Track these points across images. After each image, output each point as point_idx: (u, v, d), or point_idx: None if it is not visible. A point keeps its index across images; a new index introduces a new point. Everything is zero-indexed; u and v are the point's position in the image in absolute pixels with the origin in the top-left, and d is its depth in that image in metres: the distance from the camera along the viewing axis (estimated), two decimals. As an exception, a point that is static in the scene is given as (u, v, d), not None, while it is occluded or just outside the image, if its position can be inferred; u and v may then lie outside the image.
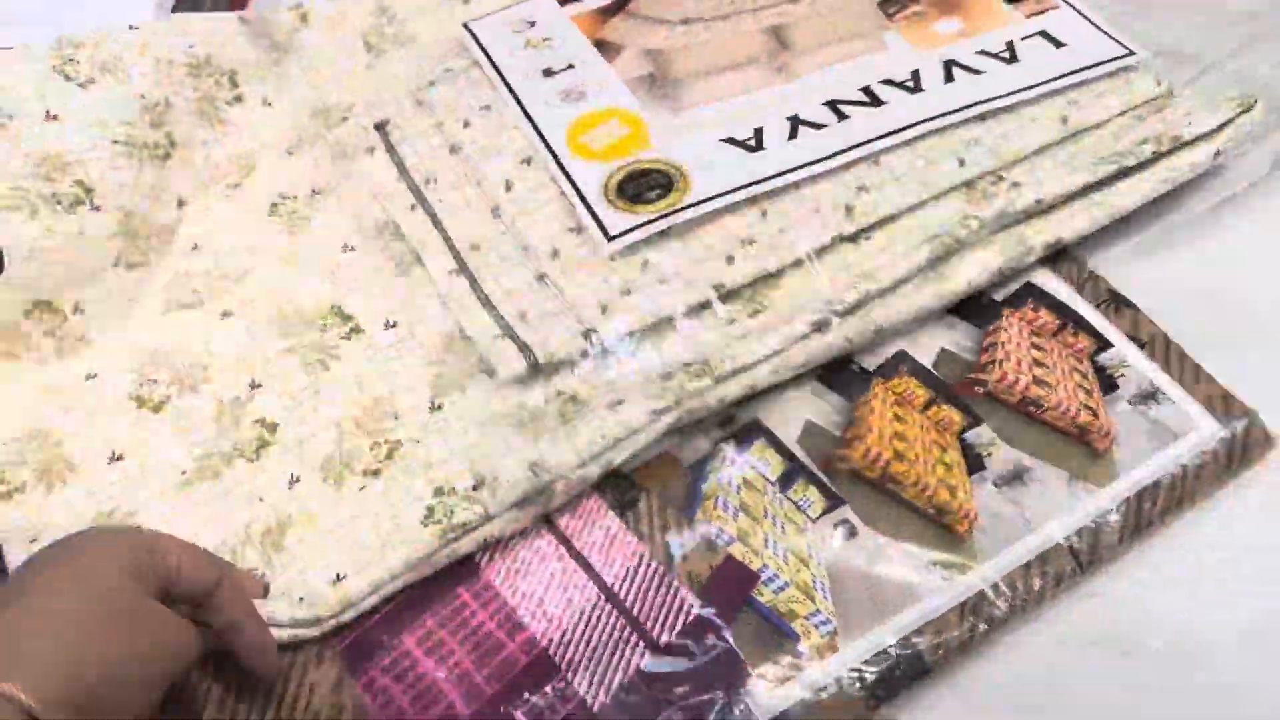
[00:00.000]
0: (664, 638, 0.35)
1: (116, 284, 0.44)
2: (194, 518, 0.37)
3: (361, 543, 0.36)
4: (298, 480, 0.38)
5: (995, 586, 0.35)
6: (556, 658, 0.35)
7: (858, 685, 0.34)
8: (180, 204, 0.47)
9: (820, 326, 0.39)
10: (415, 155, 0.46)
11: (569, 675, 0.35)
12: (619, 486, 0.39)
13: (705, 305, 0.41)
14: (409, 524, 0.36)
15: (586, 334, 0.40)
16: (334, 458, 0.38)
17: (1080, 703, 0.34)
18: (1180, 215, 0.45)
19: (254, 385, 0.40)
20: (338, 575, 0.35)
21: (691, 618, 0.36)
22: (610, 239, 0.42)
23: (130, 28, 0.47)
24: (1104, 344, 0.40)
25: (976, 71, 0.47)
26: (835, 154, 0.44)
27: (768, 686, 0.34)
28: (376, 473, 0.37)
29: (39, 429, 0.39)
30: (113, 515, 0.37)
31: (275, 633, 0.35)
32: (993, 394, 0.39)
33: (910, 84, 0.47)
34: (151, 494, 0.38)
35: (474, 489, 0.36)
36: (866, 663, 0.34)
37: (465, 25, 0.50)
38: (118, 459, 0.38)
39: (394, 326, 0.41)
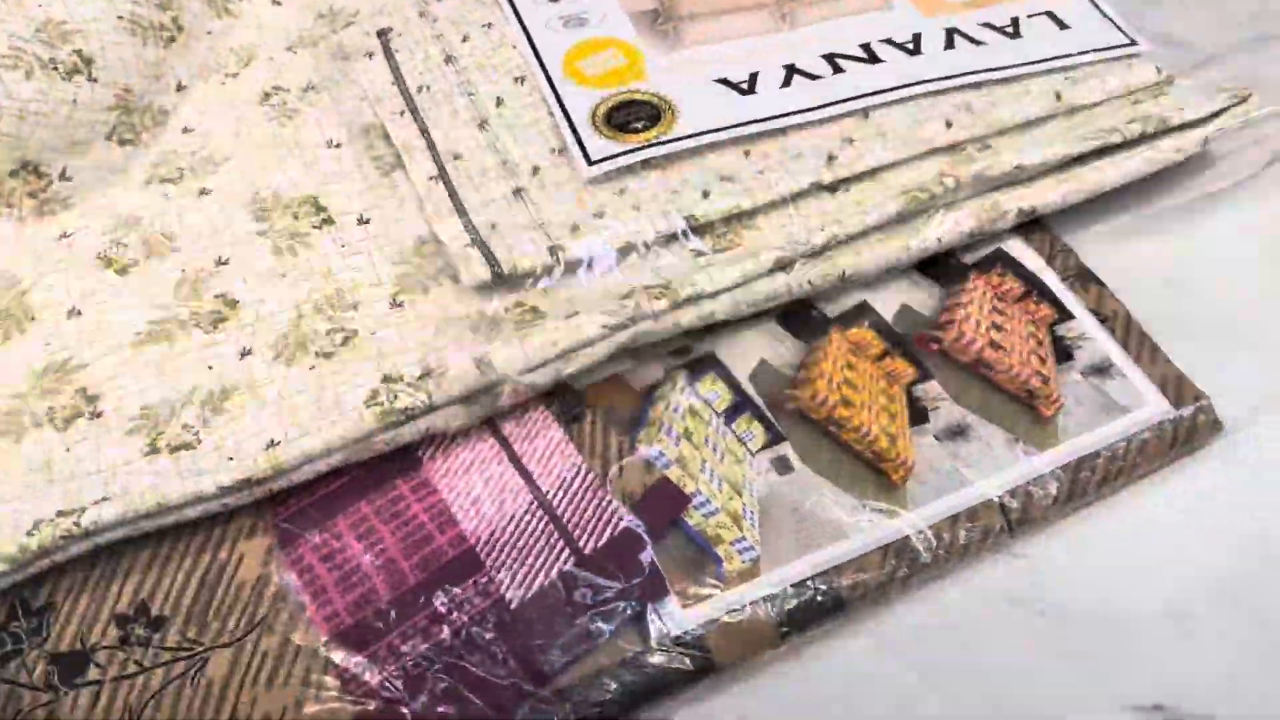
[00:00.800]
0: (590, 547, 0.36)
1: (106, 157, 0.44)
2: (141, 375, 0.38)
3: (301, 415, 0.36)
4: (249, 353, 0.38)
5: (921, 534, 0.35)
6: (483, 555, 0.36)
7: (772, 613, 0.34)
8: (179, 88, 0.47)
9: (784, 265, 0.39)
10: (412, 63, 0.47)
11: (492, 573, 0.35)
12: (567, 400, 0.39)
13: (675, 236, 0.41)
14: (351, 403, 0.36)
15: (553, 250, 0.40)
16: (289, 337, 0.38)
17: (991, 657, 0.35)
18: (1164, 204, 0.44)
19: (221, 261, 0.40)
20: (272, 440, 0.35)
21: (619, 531, 0.36)
22: (591, 163, 0.43)
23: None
24: (1065, 315, 0.40)
25: (978, 42, 0.47)
26: (825, 105, 0.44)
27: (684, 604, 0.34)
28: (329, 355, 0.38)
29: (4, 277, 0.40)
30: (65, 366, 0.38)
31: (205, 505, 0.35)
32: (947, 351, 0.39)
33: (910, 46, 0.47)
34: (105, 349, 0.38)
35: (420, 378, 0.36)
36: (784, 593, 0.35)
37: (478, -57, 0.51)
38: (77, 314, 0.39)
39: (367, 223, 0.42)
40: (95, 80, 0.44)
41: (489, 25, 0.48)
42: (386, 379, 0.37)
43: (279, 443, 0.36)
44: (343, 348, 0.38)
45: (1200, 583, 0.35)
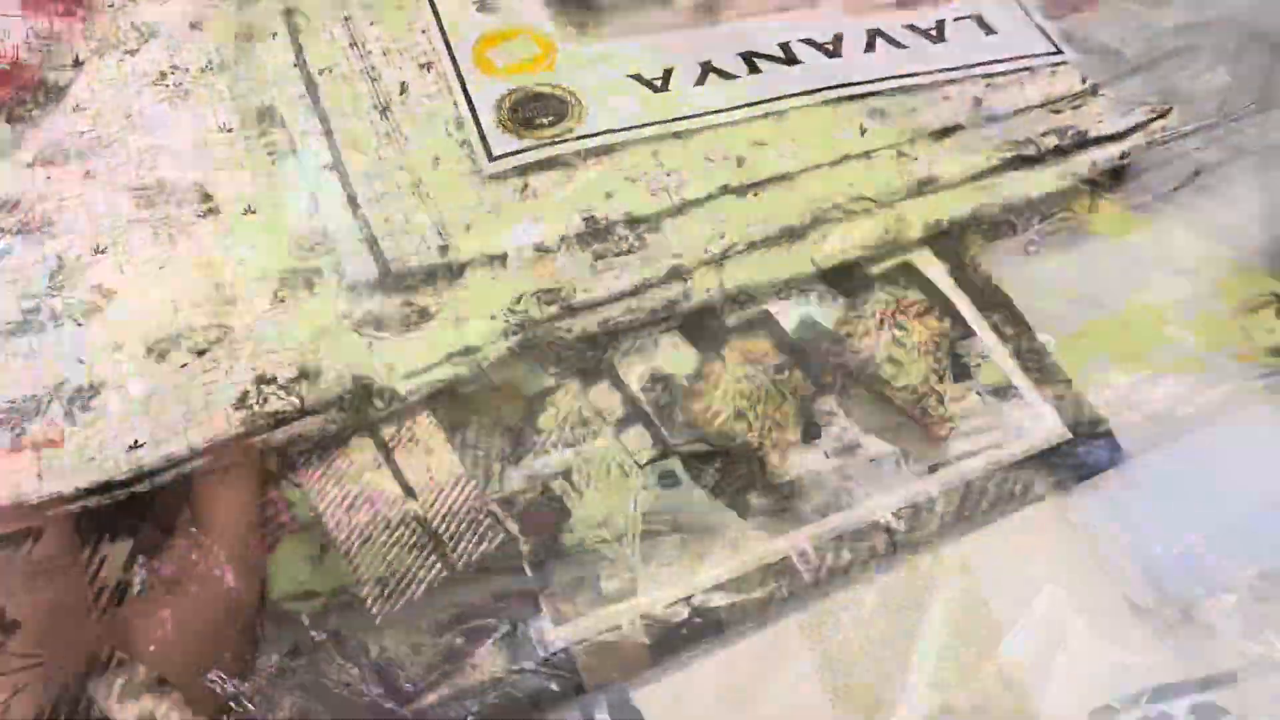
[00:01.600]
0: (463, 560, 0.35)
1: (-7, 136, 0.43)
2: (10, 367, 0.36)
3: (168, 416, 0.35)
4: (121, 347, 0.37)
5: (803, 554, 0.35)
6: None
7: (646, 633, 0.33)
8: (77, 63, 0.46)
9: (681, 273, 0.38)
10: (316, 45, 0.45)
11: (359, 586, 0.34)
12: (452, 406, 0.38)
13: (573, 238, 0.40)
14: (219, 405, 0.35)
15: (444, 249, 0.39)
16: (163, 332, 0.37)
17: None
18: (1078, 218, 0.44)
19: (98, 250, 0.39)
20: (136, 442, 0.34)
21: (495, 545, 0.35)
22: (492, 159, 0.41)
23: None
24: (968, 332, 0.39)
25: (900, 45, 0.46)
26: (739, 106, 0.43)
27: (556, 622, 0.34)
28: (202, 353, 0.36)
29: None
30: (-71, 357, 0.36)
31: (65, 506, 0.34)
32: (844, 365, 0.39)
33: (830, 47, 0.45)
34: (-27, 339, 0.37)
35: (294, 380, 0.35)
36: (660, 612, 0.34)
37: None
38: (-57, 301, 0.37)
39: (253, 213, 0.40)
40: (-20, 53, 0.42)
41: (401, 7, 0.47)
42: (260, 380, 0.36)
43: (143, 444, 0.34)
44: (217, 345, 0.37)
45: (1081, 613, 0.35)
